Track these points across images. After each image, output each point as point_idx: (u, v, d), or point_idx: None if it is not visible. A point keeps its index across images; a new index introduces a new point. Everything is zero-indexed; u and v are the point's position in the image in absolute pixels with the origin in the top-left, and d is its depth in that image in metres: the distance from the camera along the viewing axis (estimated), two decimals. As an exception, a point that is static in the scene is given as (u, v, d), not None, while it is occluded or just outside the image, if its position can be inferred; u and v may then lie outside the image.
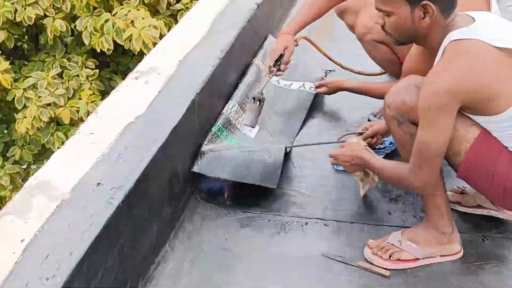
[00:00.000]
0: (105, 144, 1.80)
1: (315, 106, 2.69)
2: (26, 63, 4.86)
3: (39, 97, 4.38)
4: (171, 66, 2.24)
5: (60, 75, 4.55)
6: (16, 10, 4.45)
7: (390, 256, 1.80)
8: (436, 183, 1.72)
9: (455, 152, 1.67)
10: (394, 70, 2.40)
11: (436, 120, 1.58)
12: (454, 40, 1.58)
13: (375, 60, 2.48)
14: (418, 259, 1.80)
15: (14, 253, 1.40)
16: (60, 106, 4.38)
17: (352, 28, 2.50)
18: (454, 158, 1.69)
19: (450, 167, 1.77)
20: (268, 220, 2.03)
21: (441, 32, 1.62)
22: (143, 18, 4.28)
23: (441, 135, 1.60)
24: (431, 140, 1.61)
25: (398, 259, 1.80)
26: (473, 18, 1.63)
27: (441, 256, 1.81)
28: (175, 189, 1.99)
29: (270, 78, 2.33)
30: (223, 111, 2.33)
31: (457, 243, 1.82)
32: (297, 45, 2.41)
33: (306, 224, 2.00)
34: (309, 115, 2.63)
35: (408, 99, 1.68)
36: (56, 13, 4.52)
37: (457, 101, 1.57)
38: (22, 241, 1.44)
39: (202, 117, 2.16)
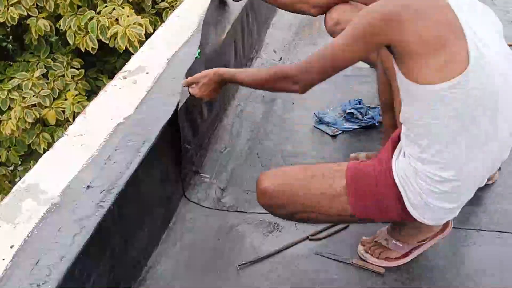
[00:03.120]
0: (94, 145, 1.78)
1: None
2: (11, 63, 4.79)
3: (24, 98, 4.32)
4: (159, 65, 2.22)
5: (45, 76, 4.49)
6: (-1, 11, 4.38)
7: (380, 254, 1.79)
8: (310, 88, 1.64)
9: (340, 211, 1.64)
10: (368, 57, 2.39)
11: (356, 36, 1.48)
12: None
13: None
14: (407, 254, 1.80)
15: (3, 259, 1.38)
16: (46, 107, 4.32)
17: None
18: (343, 213, 1.64)
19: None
20: (261, 220, 2.01)
21: None
22: (128, 16, 4.23)
23: (349, 56, 1.52)
24: (338, 52, 1.53)
25: (387, 257, 1.79)
26: None
27: (430, 239, 1.80)
28: (166, 190, 1.97)
29: None
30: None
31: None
32: None
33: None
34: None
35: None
36: (39, 13, 4.46)
37: (384, 34, 1.42)
38: (11, 247, 1.41)
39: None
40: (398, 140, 1.64)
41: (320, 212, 1.67)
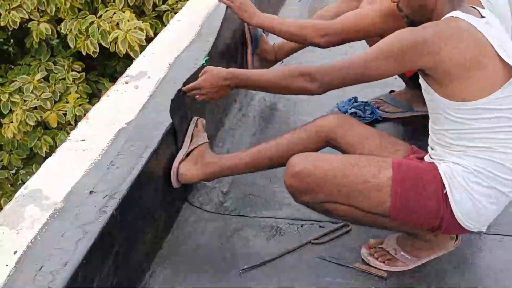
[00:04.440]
0: (96, 150, 1.78)
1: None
2: (12, 66, 4.80)
3: (25, 101, 4.33)
4: (161, 70, 2.21)
5: (46, 79, 4.50)
6: (0, 14, 4.39)
7: (385, 262, 1.79)
8: (325, 92, 1.68)
9: (379, 202, 1.61)
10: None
11: (386, 54, 1.54)
12: (455, 16, 1.56)
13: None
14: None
15: (6, 265, 1.37)
16: (47, 110, 4.33)
17: None
18: (379, 207, 1.62)
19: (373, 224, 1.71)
20: (263, 224, 2.01)
21: (445, 10, 1.59)
22: (128, 20, 4.24)
23: (374, 71, 1.56)
24: (365, 64, 1.57)
25: (394, 266, 1.79)
26: (481, 15, 1.61)
27: (437, 253, 1.81)
28: (169, 194, 1.97)
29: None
30: None
31: (449, 239, 1.80)
32: None
33: (302, 226, 1.99)
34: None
35: None
36: (41, 16, 4.47)
37: (418, 57, 1.52)
38: (14, 253, 1.41)
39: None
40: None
41: (352, 204, 1.62)
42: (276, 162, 1.88)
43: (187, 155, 1.97)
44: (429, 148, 1.72)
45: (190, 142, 1.99)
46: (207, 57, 2.19)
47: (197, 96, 1.90)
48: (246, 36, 2.61)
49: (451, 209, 1.60)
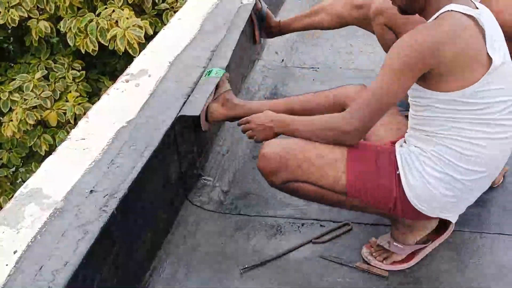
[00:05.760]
0: (97, 149, 1.77)
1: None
2: (12, 65, 4.78)
3: (25, 99, 4.32)
4: (161, 68, 2.21)
5: (46, 77, 4.48)
6: (-1, 12, 4.38)
7: (383, 260, 1.79)
8: (362, 136, 1.68)
9: (335, 178, 1.67)
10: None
11: (396, 73, 1.54)
12: (452, 10, 1.55)
13: (380, 42, 2.45)
14: (411, 257, 1.80)
15: (6, 265, 1.37)
16: (47, 109, 4.32)
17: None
18: (335, 184, 1.67)
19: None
20: (264, 223, 2.01)
21: (440, 1, 1.58)
22: (127, 18, 4.22)
23: (396, 91, 1.56)
24: (383, 92, 1.57)
25: (393, 262, 1.79)
26: (476, 6, 1.60)
27: (432, 241, 1.81)
28: (169, 193, 1.97)
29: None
30: None
31: (430, 219, 1.77)
32: None
33: (303, 225, 1.99)
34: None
35: None
36: (40, 14, 4.46)
37: (426, 63, 1.53)
38: (14, 252, 1.41)
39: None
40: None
41: (312, 182, 1.69)
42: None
43: (216, 98, 2.11)
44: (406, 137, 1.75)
45: (216, 90, 2.12)
46: (224, 70, 2.17)
47: (247, 131, 1.92)
48: (252, 16, 2.66)
49: (403, 191, 1.63)
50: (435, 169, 1.61)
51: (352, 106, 1.64)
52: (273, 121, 1.82)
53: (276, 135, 1.84)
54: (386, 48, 2.40)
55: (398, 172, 1.64)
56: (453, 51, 1.51)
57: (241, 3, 2.67)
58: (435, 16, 1.58)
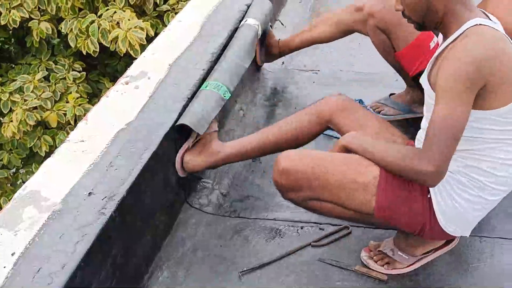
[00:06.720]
0: (96, 152, 1.77)
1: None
2: (13, 66, 4.79)
3: (25, 100, 4.32)
4: (161, 70, 2.21)
5: (46, 78, 4.49)
6: (0, 13, 4.38)
7: (384, 265, 1.79)
8: (445, 173, 1.53)
9: (364, 201, 1.61)
10: (388, 59, 2.41)
11: (460, 94, 1.46)
12: (480, 24, 1.51)
13: (374, 44, 2.45)
14: (412, 264, 1.79)
15: (4, 267, 1.37)
16: (47, 110, 4.32)
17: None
18: (363, 206, 1.62)
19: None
20: (263, 226, 2.00)
21: (460, 15, 1.54)
22: (129, 19, 4.23)
23: (463, 112, 1.46)
24: (452, 117, 1.46)
25: (394, 268, 1.79)
26: (490, 19, 1.58)
27: (435, 251, 1.80)
28: (168, 196, 1.96)
29: None
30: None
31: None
32: None
33: (302, 228, 1.98)
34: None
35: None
36: (41, 15, 4.46)
37: (482, 78, 1.46)
38: (12, 254, 1.41)
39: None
40: None
41: (337, 203, 1.63)
42: (280, 146, 1.92)
43: (194, 144, 1.99)
44: (416, 141, 1.71)
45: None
46: (230, 95, 2.15)
47: None
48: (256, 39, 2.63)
49: (434, 214, 1.60)
50: (467, 192, 1.58)
51: (425, 143, 1.50)
52: (347, 141, 1.68)
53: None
54: (380, 50, 2.41)
55: (429, 196, 1.60)
56: (503, 65, 1.47)
57: (246, 20, 2.58)
58: (460, 31, 1.53)
